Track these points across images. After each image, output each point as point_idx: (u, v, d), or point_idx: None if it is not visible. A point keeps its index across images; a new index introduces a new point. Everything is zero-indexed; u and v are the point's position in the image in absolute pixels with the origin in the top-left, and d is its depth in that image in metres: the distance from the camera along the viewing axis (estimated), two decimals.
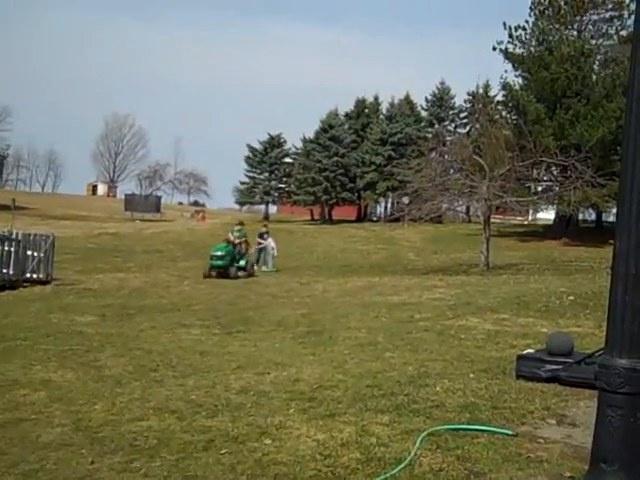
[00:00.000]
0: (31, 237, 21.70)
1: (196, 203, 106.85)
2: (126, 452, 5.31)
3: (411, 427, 5.78)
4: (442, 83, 60.60)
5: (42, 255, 21.18)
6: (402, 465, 4.84)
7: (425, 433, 5.49)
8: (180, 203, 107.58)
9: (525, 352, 8.03)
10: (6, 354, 9.42)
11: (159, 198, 75.33)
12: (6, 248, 20.66)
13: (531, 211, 49.00)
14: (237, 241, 24.93)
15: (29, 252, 21.10)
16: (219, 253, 23.03)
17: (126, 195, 73.06)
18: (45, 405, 6.70)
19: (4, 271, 20.32)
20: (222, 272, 22.49)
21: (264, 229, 28.86)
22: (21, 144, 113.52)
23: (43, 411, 6.49)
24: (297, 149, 63.45)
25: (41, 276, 20.52)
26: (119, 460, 5.13)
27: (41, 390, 7.31)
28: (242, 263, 23.96)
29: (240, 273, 23.29)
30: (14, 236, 21.33)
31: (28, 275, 20.54)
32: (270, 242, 27.56)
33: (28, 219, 47.48)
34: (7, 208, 40.37)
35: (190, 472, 4.86)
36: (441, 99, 59.93)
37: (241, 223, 26.71)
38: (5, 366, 8.53)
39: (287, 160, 65.05)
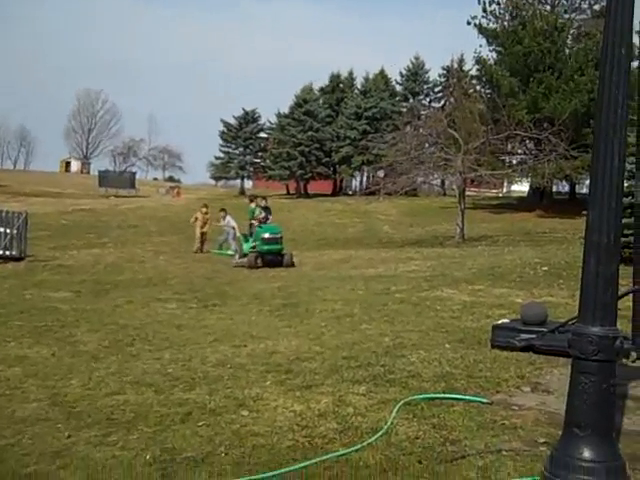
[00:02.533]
0: (3, 214, 21.46)
1: (171, 179, 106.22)
2: (103, 426, 5.30)
3: (387, 397, 5.82)
4: (417, 58, 60.59)
5: (15, 232, 20.96)
6: (379, 434, 4.89)
7: (401, 402, 5.54)
8: (155, 179, 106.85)
9: (500, 322, 8.12)
10: None
11: (134, 174, 74.58)
12: None
13: (505, 184, 49.36)
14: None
15: (1, 229, 20.88)
16: (279, 234, 19.14)
17: (100, 171, 72.24)
18: (20, 381, 6.65)
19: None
20: (277, 259, 18.39)
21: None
22: None
23: (18, 387, 6.44)
24: (272, 124, 63.19)
25: (14, 253, 20.32)
26: (95, 434, 5.12)
27: (16, 366, 7.26)
28: (246, 247, 19.88)
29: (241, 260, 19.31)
30: None
31: (1, 252, 20.34)
32: (229, 222, 23.86)
33: None
34: None
35: (168, 444, 4.86)
36: (415, 74, 59.86)
37: (252, 198, 22.30)
38: None
39: (262, 135, 64.77)
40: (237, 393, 6.06)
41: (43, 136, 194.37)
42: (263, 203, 22.24)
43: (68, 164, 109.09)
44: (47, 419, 5.50)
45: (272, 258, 18.23)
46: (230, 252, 22.14)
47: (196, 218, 25.07)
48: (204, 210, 25.19)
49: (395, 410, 5.35)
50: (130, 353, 7.91)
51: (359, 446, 4.70)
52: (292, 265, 18.48)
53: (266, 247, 18.54)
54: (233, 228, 23.05)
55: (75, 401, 5.96)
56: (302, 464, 4.40)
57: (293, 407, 5.64)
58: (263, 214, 20.12)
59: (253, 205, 20.81)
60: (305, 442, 4.87)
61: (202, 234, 24.47)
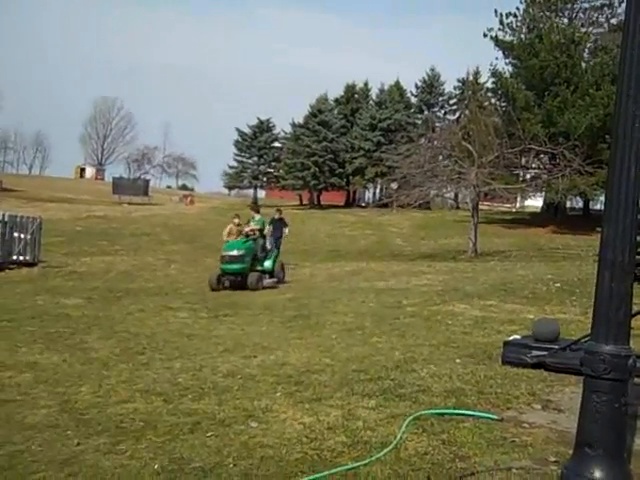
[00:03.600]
0: (18, 219, 21.60)
1: (184, 187, 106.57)
2: (112, 434, 5.30)
3: (397, 411, 5.79)
4: (432, 69, 60.60)
5: (29, 237, 21.11)
6: (388, 449, 4.86)
7: (411, 417, 5.51)
8: (169, 187, 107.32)
9: (511, 338, 8.06)
10: None
11: (147, 182, 74.90)
12: None
13: (519, 198, 49.16)
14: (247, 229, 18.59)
15: (16, 234, 21.02)
16: (236, 252, 16.47)
17: (114, 178, 72.58)
18: (31, 387, 6.68)
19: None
20: (239, 281, 16.20)
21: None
22: (8, 126, 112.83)
23: (29, 392, 6.46)
24: (286, 134, 63.31)
25: (28, 258, 20.44)
26: (105, 442, 5.12)
27: (27, 372, 7.29)
28: (267, 265, 17.46)
29: (266, 281, 16.73)
30: (1, 218, 21.23)
31: (15, 257, 20.46)
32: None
33: (15, 201, 47.11)
34: None
35: (176, 454, 4.85)
36: (431, 85, 59.87)
37: (256, 208, 19.67)
38: None
39: (276, 145, 64.89)
40: (246, 404, 6.05)
41: (59, 142, 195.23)
42: (277, 215, 21.86)
43: (83, 170, 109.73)
44: (57, 426, 5.50)
45: (233, 279, 16.13)
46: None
47: (229, 233, 20.53)
48: (236, 221, 20.69)
49: (405, 425, 5.33)
50: (140, 361, 7.92)
51: (368, 460, 4.67)
52: (278, 282, 16.77)
53: (223, 266, 16.36)
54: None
55: (85, 408, 5.97)
56: (310, 477, 4.38)
57: (302, 419, 5.62)
58: (249, 226, 17.97)
59: (258, 216, 18.46)
60: (314, 455, 4.85)
61: None
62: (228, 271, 16.19)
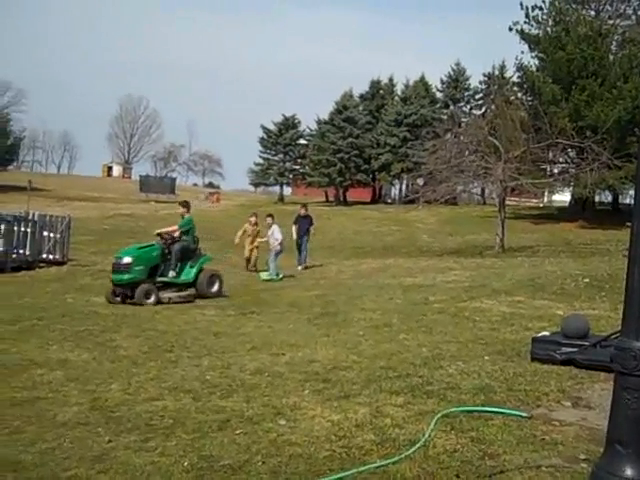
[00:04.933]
0: (47, 218, 21.82)
1: (211, 184, 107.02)
2: (142, 431, 5.35)
3: (425, 409, 5.79)
4: (457, 64, 60.20)
5: (58, 236, 21.31)
6: (416, 446, 4.85)
7: (440, 415, 5.48)
8: (195, 185, 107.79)
9: (540, 335, 8.02)
10: (23, 334, 9.49)
11: (174, 179, 75.39)
12: (22, 229, 20.82)
13: (546, 193, 48.72)
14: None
15: (45, 233, 21.23)
16: (125, 260, 13.50)
17: (141, 176, 73.09)
18: (61, 384, 6.76)
19: (21, 252, 20.47)
20: (128, 294, 13.27)
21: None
22: (36, 126, 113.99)
23: (60, 390, 6.55)
24: (311, 130, 63.25)
25: (57, 257, 20.63)
26: (135, 439, 5.17)
27: (57, 370, 7.38)
28: (185, 276, 14.15)
29: (171, 295, 13.58)
30: (30, 217, 21.47)
31: (44, 256, 20.67)
32: (275, 233, 18.93)
33: (44, 200, 47.57)
34: (23, 189, 40.47)
35: (205, 452, 4.89)
36: (456, 80, 59.50)
37: (186, 205, 15.46)
38: (22, 346, 8.61)
39: (301, 141, 64.83)
40: (275, 402, 6.08)
41: (86, 141, 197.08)
42: (302, 211, 21.15)
43: (110, 169, 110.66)
44: (87, 423, 5.57)
45: (120, 291, 13.38)
46: (268, 276, 17.73)
47: (244, 231, 20.29)
48: (253, 220, 20.23)
49: (433, 422, 5.30)
50: (169, 359, 7.98)
51: (396, 458, 4.67)
52: (216, 293, 14.20)
53: (112, 276, 13.61)
54: (277, 241, 18.55)
55: (115, 406, 6.03)
56: (339, 475, 4.39)
57: (330, 417, 5.63)
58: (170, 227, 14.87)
59: (187, 215, 14.93)
60: (342, 452, 4.86)
61: (251, 250, 19.99)
62: (116, 282, 13.38)
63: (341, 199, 58.76)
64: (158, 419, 5.66)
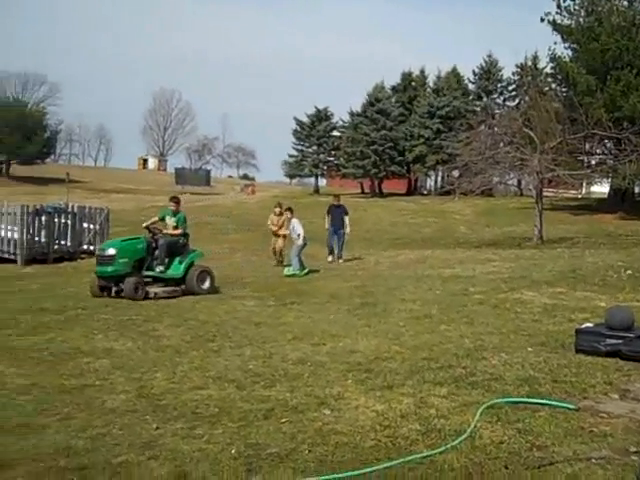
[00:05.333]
0: (86, 210, 22.16)
1: (245, 176, 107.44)
2: (188, 419, 5.41)
3: (470, 399, 5.77)
4: (489, 56, 59.46)
5: (97, 227, 21.61)
6: (463, 437, 4.84)
7: (485, 405, 5.48)
8: (230, 177, 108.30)
9: (584, 326, 7.93)
10: (68, 323, 9.66)
11: (209, 172, 75.99)
12: (63, 221, 21.17)
13: (585, 184, 48.12)
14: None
15: (85, 225, 21.57)
16: (109, 252, 13.03)
17: (176, 169, 73.80)
18: (108, 372, 6.86)
19: (62, 243, 20.81)
20: (114, 287, 12.72)
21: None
22: (72, 120, 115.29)
23: (107, 378, 6.65)
24: (344, 122, 63.08)
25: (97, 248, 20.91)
26: (182, 427, 5.23)
27: (103, 358, 7.49)
28: (173, 271, 13.41)
29: (158, 290, 12.99)
30: (70, 209, 21.80)
31: (85, 247, 20.99)
32: (295, 227, 17.89)
33: (82, 192, 48.30)
34: (62, 182, 41.13)
35: (252, 440, 4.93)
36: (489, 72, 58.81)
37: (176, 200, 14.76)
38: (68, 334, 8.75)
39: (335, 133, 64.72)
40: (318, 391, 6.10)
41: (122, 134, 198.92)
42: (335, 201, 20.39)
43: (145, 161, 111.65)
44: (135, 410, 5.64)
45: (105, 284, 12.84)
46: (291, 271, 16.80)
47: (271, 222, 19.66)
48: (277, 210, 19.59)
49: (479, 413, 5.30)
50: (211, 349, 8.04)
51: (443, 448, 4.67)
52: (207, 291, 13.40)
53: (96, 269, 13.15)
54: (298, 236, 17.57)
55: (161, 394, 6.10)
56: (385, 464, 4.40)
57: (375, 407, 5.64)
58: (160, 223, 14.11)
59: (182, 212, 14.37)
60: (388, 442, 4.87)
61: (277, 241, 19.19)
62: (100, 274, 12.88)
63: (377, 190, 58.59)
64: (203, 407, 5.71)
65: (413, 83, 62.60)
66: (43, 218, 20.78)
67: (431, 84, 61.45)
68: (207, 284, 13.55)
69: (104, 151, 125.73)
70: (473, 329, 8.94)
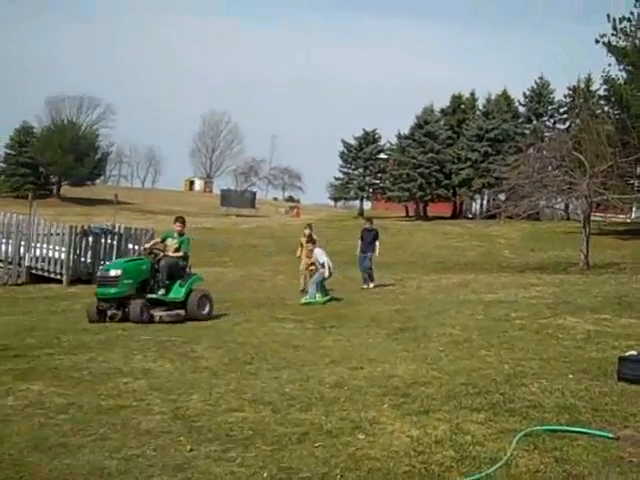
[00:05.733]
0: (132, 231, 22.48)
1: (291, 199, 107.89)
2: (222, 441, 5.41)
3: (507, 427, 5.68)
4: (541, 78, 59.18)
5: (142, 248, 21.86)
6: (498, 465, 4.76)
7: (522, 433, 5.38)
8: (275, 199, 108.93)
9: (628, 354, 7.75)
10: (108, 343, 9.77)
11: (254, 194, 76.60)
12: (109, 241, 21.51)
13: (634, 209, 47.29)
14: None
15: (130, 245, 21.86)
16: (113, 273, 12.62)
17: (222, 190, 74.63)
18: (145, 393, 6.91)
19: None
20: (114, 310, 12.20)
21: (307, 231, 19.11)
22: (123, 142, 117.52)
23: (143, 399, 6.69)
24: (392, 145, 63.20)
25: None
26: (215, 449, 5.23)
27: (141, 379, 7.55)
28: (174, 294, 12.86)
29: (162, 313, 12.49)
30: (116, 230, 22.15)
31: None
32: (318, 256, 16.66)
33: (129, 214, 49.09)
34: (110, 203, 41.83)
35: (285, 463, 4.91)
36: (540, 94, 58.47)
37: (182, 220, 14.00)
38: (108, 355, 8.85)
39: (382, 156, 64.84)
40: (353, 415, 6.06)
41: (170, 156, 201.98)
42: (368, 225, 20.03)
43: (192, 183, 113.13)
44: (170, 432, 5.67)
45: (105, 306, 12.29)
46: (307, 299, 15.71)
47: (301, 245, 19.06)
48: (307, 232, 18.76)
49: (515, 441, 5.21)
50: (249, 371, 8.05)
51: (477, 476, 4.60)
52: (206, 316, 12.94)
53: (96, 291, 12.67)
54: (322, 266, 16.21)
55: (196, 415, 6.12)
56: None
57: (410, 432, 5.59)
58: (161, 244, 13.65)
59: (186, 235, 13.71)
60: (422, 468, 4.82)
61: (308, 266, 17.79)
62: (101, 296, 12.36)
63: (421, 214, 58.43)
64: (238, 430, 5.72)
65: (462, 106, 62.67)
66: (90, 239, 21.15)
67: (481, 107, 61.41)
68: (207, 309, 13.18)
69: (152, 173, 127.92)
70: (513, 355, 8.81)
